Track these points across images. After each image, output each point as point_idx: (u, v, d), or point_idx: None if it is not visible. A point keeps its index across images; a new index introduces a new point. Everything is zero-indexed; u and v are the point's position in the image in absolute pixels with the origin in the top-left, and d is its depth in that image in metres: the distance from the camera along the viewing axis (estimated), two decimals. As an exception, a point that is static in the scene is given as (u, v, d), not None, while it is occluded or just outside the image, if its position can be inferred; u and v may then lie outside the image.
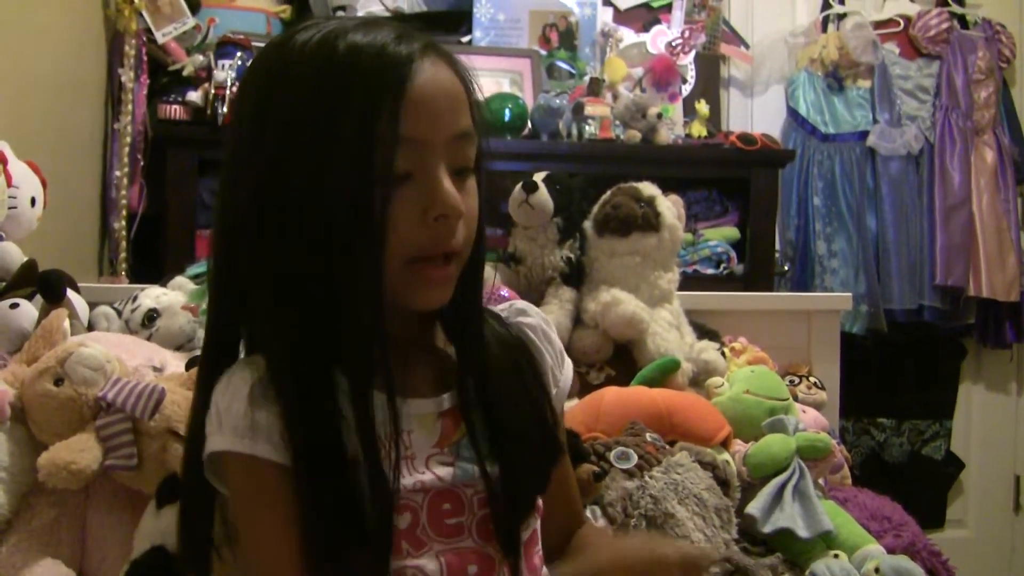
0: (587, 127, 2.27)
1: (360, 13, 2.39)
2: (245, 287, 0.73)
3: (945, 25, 2.88)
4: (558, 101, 2.23)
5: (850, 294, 2.22)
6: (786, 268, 2.71)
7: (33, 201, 1.41)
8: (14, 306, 1.22)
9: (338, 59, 0.68)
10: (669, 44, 2.56)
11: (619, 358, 1.63)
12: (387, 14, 2.39)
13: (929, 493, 2.91)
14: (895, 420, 2.89)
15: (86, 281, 1.48)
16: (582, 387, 1.54)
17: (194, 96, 2.09)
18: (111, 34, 2.20)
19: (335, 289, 0.68)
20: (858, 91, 2.89)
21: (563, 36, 2.51)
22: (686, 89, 2.61)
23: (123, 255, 2.08)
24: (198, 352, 1.26)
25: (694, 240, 2.34)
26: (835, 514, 1.32)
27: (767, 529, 1.25)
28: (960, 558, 1.58)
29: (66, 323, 1.15)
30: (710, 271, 2.34)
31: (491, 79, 2.37)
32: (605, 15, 2.61)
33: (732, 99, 2.94)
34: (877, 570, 1.22)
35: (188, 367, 1.17)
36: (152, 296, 1.37)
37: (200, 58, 2.18)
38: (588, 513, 1.11)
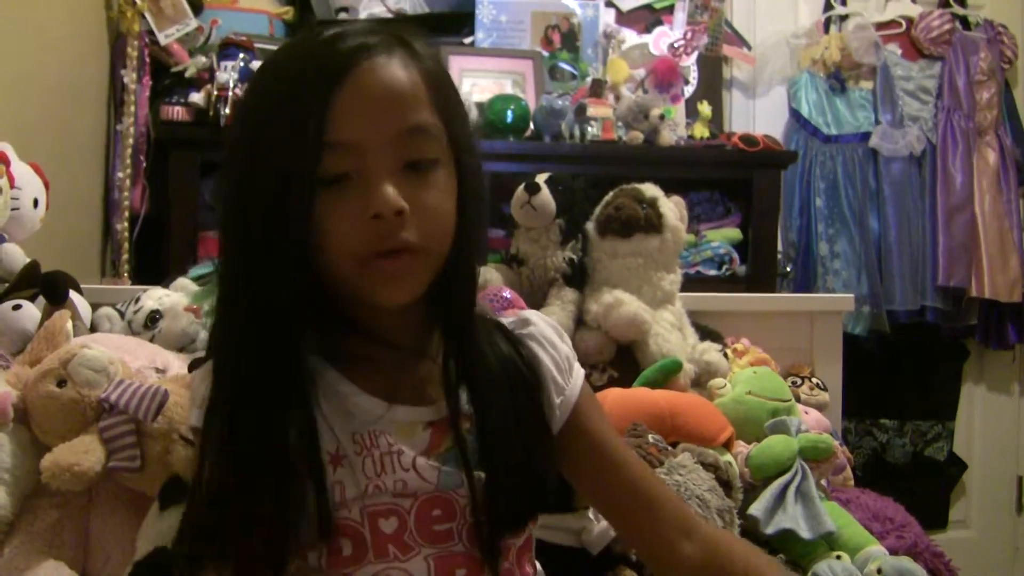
0: (589, 128, 2.27)
1: (362, 15, 2.39)
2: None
3: (947, 26, 2.88)
4: (560, 102, 2.23)
5: (852, 295, 2.20)
6: (788, 269, 2.71)
7: (36, 202, 1.41)
8: (17, 307, 1.23)
9: (278, 67, 0.72)
10: (671, 45, 2.56)
11: (621, 359, 1.63)
12: (389, 15, 2.39)
13: (932, 494, 2.90)
14: (897, 421, 2.89)
15: (89, 282, 1.49)
16: (584, 388, 1.53)
17: (196, 97, 2.09)
18: (114, 36, 2.21)
19: (255, 292, 0.70)
20: (860, 92, 2.89)
21: (565, 37, 2.51)
22: (688, 90, 2.61)
23: (125, 256, 2.09)
24: (201, 354, 1.26)
25: (696, 241, 2.34)
26: (837, 515, 1.32)
27: (769, 530, 1.25)
28: (963, 559, 1.58)
29: (69, 325, 1.15)
30: (712, 272, 2.34)
31: (493, 80, 2.37)
32: (607, 16, 2.61)
33: (734, 100, 2.94)
34: (879, 571, 1.22)
35: (191, 369, 1.17)
36: (155, 297, 1.37)
37: (202, 59, 2.18)
38: (590, 514, 1.11)
